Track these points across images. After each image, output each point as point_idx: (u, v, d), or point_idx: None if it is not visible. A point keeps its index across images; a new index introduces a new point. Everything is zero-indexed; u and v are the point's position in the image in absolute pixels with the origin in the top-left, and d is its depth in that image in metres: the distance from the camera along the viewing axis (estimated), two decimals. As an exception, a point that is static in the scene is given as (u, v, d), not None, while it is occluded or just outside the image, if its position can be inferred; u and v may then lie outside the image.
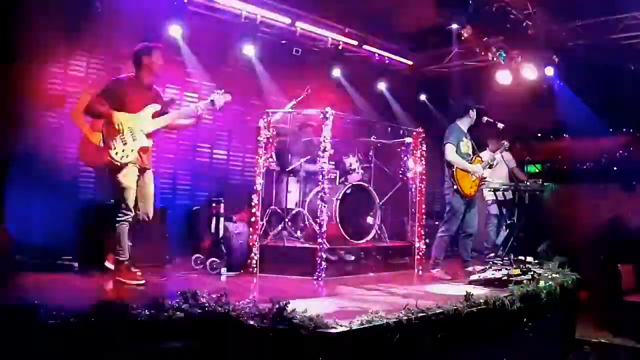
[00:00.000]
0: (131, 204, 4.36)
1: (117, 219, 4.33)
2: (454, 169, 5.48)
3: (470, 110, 5.70)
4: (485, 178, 5.85)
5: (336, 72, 8.24)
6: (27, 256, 4.74)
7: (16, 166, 5.16)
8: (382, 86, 9.02)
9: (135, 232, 4.49)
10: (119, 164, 4.30)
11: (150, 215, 4.56)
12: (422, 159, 6.10)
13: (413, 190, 6.17)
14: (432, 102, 9.38)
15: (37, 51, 5.26)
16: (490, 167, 5.95)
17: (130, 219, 4.37)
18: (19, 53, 5.02)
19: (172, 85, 6.72)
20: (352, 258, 5.74)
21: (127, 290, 4.14)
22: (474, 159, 5.67)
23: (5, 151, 5.07)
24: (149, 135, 4.46)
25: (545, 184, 6.48)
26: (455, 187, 5.47)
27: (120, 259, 4.36)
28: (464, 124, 5.73)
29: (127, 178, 4.34)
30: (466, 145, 5.65)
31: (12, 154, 5.17)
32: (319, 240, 5.03)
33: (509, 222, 6.33)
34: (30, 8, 5.13)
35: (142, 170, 4.48)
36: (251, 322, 2.87)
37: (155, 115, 4.50)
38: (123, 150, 4.31)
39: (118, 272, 4.36)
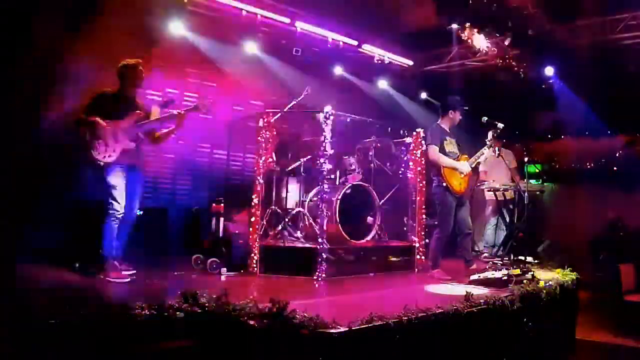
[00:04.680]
0: (120, 201, 4.48)
1: (105, 216, 4.45)
2: (442, 167, 5.51)
3: (451, 111, 5.73)
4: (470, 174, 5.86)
5: (336, 72, 8.23)
6: (27, 255, 4.74)
7: (16, 166, 5.14)
8: (382, 86, 9.01)
9: (121, 229, 4.53)
10: (102, 164, 4.47)
11: (134, 213, 4.65)
12: (422, 159, 6.11)
13: (413, 190, 6.17)
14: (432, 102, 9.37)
15: (41, 51, 5.25)
16: (478, 164, 5.96)
17: (119, 217, 4.48)
18: (23, 53, 5.01)
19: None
20: (352, 258, 5.73)
21: (127, 289, 4.14)
22: (459, 156, 5.70)
23: (6, 150, 5.06)
24: (132, 138, 4.60)
25: (545, 184, 6.48)
26: (444, 184, 5.50)
27: (107, 255, 4.43)
28: (445, 123, 5.77)
29: (114, 177, 4.48)
30: (450, 143, 5.68)
31: (12, 154, 5.16)
32: (319, 240, 5.04)
33: (509, 222, 6.32)
34: (38, 7, 5.12)
35: (128, 169, 4.58)
36: (251, 322, 2.87)
37: (138, 120, 4.65)
38: (105, 151, 4.48)
39: (103, 269, 4.41)
